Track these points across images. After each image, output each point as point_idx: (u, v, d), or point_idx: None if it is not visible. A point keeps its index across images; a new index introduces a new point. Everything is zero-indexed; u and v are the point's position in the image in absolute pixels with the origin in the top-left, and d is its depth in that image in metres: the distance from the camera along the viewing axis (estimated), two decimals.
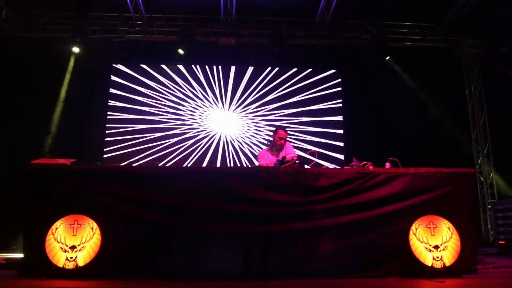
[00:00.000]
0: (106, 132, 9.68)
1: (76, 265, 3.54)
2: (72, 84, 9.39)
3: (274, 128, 5.48)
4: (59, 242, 3.60)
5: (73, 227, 3.66)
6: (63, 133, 9.00)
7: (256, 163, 7.32)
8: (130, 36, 9.67)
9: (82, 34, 9.17)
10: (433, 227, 3.85)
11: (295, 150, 5.55)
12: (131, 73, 10.04)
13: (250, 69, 10.27)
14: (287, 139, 5.41)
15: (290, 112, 10.10)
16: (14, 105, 8.76)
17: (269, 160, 5.26)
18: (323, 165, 8.84)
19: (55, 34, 9.39)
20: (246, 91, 10.18)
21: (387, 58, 10.04)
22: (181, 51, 9.63)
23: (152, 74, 10.06)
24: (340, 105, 10.21)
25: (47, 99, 9.11)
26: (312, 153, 4.68)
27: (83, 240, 3.63)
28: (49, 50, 9.14)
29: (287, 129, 5.49)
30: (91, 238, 3.64)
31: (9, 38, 9.18)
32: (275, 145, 5.31)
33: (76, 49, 9.38)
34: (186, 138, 9.82)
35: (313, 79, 10.31)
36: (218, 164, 9.62)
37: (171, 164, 9.44)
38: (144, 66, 10.08)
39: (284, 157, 4.80)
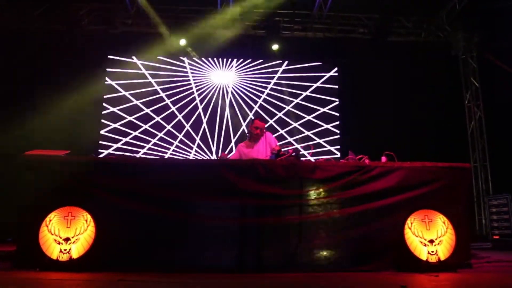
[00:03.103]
0: (101, 122, 9.63)
1: (70, 257, 3.52)
2: (67, 76, 9.31)
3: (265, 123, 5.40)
4: (53, 234, 3.58)
5: (67, 219, 3.64)
6: (57, 125, 8.93)
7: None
8: (126, 28, 9.60)
9: (76, 26, 9.09)
10: (428, 222, 3.86)
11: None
12: (127, 65, 9.98)
13: (246, 61, 10.23)
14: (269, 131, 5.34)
15: (285, 104, 10.06)
16: (8, 98, 8.69)
17: (243, 152, 5.21)
18: (318, 158, 8.84)
19: (49, 26, 9.29)
20: (243, 84, 10.14)
21: (381, 51, 10.01)
22: (182, 42, 9.57)
23: (147, 66, 10.01)
24: (337, 98, 10.18)
25: (39, 92, 9.01)
26: (308, 147, 4.65)
27: (77, 232, 3.60)
28: (43, 42, 9.05)
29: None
30: (85, 230, 3.62)
31: (4, 28, 9.08)
32: (252, 136, 5.27)
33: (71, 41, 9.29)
34: (182, 130, 9.80)
35: (309, 72, 10.28)
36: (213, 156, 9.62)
37: (166, 157, 9.42)
38: (140, 57, 10.03)
39: (279, 150, 4.79)
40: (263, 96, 10.12)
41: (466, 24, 9.66)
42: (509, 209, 7.31)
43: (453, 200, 4.02)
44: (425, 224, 3.85)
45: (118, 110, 9.75)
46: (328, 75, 10.30)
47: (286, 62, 10.28)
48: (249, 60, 10.24)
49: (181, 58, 10.15)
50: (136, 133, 9.68)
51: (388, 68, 9.83)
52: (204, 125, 9.89)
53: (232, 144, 9.73)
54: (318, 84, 10.22)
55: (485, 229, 8.94)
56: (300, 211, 3.91)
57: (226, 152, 8.91)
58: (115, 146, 9.55)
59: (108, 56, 9.98)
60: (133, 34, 9.67)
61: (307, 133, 9.86)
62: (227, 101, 10.06)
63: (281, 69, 10.26)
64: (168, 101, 9.94)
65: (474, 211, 9.40)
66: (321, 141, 9.86)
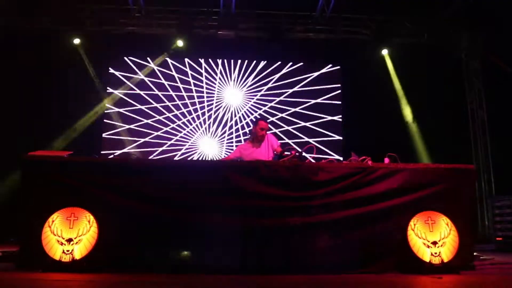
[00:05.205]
0: (104, 123, 9.65)
1: (73, 258, 3.52)
2: (70, 76, 9.33)
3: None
4: (55, 235, 3.57)
5: (70, 219, 3.63)
6: (60, 125, 8.95)
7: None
8: (129, 29, 9.61)
9: (79, 26, 9.12)
10: (432, 223, 3.84)
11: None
12: (130, 66, 10.00)
13: (249, 62, 10.23)
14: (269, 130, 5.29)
15: (288, 106, 10.06)
16: (14, 97, 8.70)
17: (245, 153, 5.16)
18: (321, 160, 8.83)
19: (54, 26, 9.30)
20: (245, 85, 10.15)
21: (384, 53, 10.01)
22: (180, 43, 9.59)
23: (150, 67, 10.02)
24: (339, 100, 10.17)
25: (41, 92, 9.02)
26: (310, 148, 4.64)
27: (80, 233, 3.60)
28: (48, 42, 9.07)
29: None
30: (88, 231, 3.62)
31: (7, 29, 9.09)
32: (257, 137, 5.20)
33: (77, 41, 9.34)
34: (184, 130, 9.81)
35: (312, 73, 10.28)
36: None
37: (169, 157, 9.42)
38: (143, 58, 10.05)
39: (282, 151, 4.78)
40: (263, 97, 10.13)
41: (470, 25, 9.63)
42: None
43: (456, 202, 4.01)
44: (428, 225, 3.83)
45: (121, 110, 9.76)
46: (330, 76, 10.29)
47: (289, 64, 10.29)
48: (251, 61, 10.24)
49: (184, 59, 10.15)
50: (139, 132, 9.70)
51: (391, 69, 9.83)
52: (206, 125, 9.90)
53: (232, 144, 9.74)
54: (320, 85, 10.21)
55: (488, 231, 8.91)
56: (303, 212, 3.89)
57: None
58: (116, 147, 9.56)
59: (111, 57, 9.99)
60: (136, 35, 9.67)
61: (309, 137, 9.88)
62: (228, 102, 10.07)
63: (283, 70, 10.27)
64: (168, 102, 9.95)
65: (477, 212, 9.37)
66: (323, 142, 9.86)
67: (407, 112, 9.75)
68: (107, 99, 9.75)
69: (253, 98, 10.10)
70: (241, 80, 10.18)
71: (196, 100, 10.02)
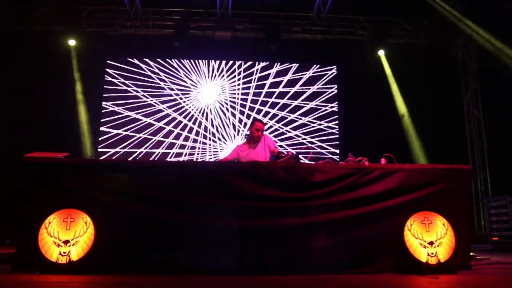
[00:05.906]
0: (100, 125, 9.63)
1: (70, 259, 3.51)
2: (67, 78, 9.32)
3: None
4: (52, 237, 3.57)
5: (67, 221, 3.62)
6: (57, 127, 8.93)
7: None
8: (126, 30, 9.61)
9: (76, 27, 9.12)
10: (428, 223, 3.85)
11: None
12: (126, 67, 9.98)
13: (246, 63, 10.24)
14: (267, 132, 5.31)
15: (284, 106, 10.06)
16: (8, 99, 8.68)
17: (241, 154, 5.15)
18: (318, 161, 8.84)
19: (51, 27, 9.30)
20: (242, 86, 10.15)
21: (381, 53, 10.03)
22: (176, 45, 9.60)
23: (147, 68, 10.01)
24: (336, 100, 10.18)
25: (39, 93, 9.00)
26: (308, 149, 4.65)
27: (77, 235, 3.59)
28: (45, 42, 9.06)
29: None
30: (85, 233, 3.61)
31: (5, 29, 9.08)
32: (253, 138, 5.21)
33: (72, 42, 9.33)
34: (180, 131, 9.80)
35: (308, 74, 10.29)
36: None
37: (165, 159, 9.42)
38: (139, 60, 10.04)
39: (279, 152, 4.79)
40: (261, 98, 10.14)
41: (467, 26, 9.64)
42: (508, 210, 7.31)
43: (453, 202, 4.01)
44: (425, 226, 3.84)
45: (117, 112, 9.74)
46: (327, 76, 10.31)
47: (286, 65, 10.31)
48: (248, 62, 10.25)
49: (179, 60, 10.15)
50: (135, 133, 9.68)
51: (387, 70, 9.85)
52: (203, 127, 9.89)
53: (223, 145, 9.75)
54: (317, 86, 10.23)
55: (485, 231, 8.94)
56: (300, 213, 3.89)
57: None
58: (115, 148, 9.55)
59: (107, 58, 9.97)
60: (132, 36, 9.67)
61: (307, 137, 9.88)
62: (226, 104, 10.07)
63: (277, 71, 10.28)
64: (165, 104, 9.94)
65: (473, 212, 9.41)
66: (320, 143, 9.87)
67: (401, 107, 9.80)
68: (102, 101, 9.74)
69: (250, 99, 10.10)
70: (238, 80, 10.18)
71: (198, 101, 10.03)
